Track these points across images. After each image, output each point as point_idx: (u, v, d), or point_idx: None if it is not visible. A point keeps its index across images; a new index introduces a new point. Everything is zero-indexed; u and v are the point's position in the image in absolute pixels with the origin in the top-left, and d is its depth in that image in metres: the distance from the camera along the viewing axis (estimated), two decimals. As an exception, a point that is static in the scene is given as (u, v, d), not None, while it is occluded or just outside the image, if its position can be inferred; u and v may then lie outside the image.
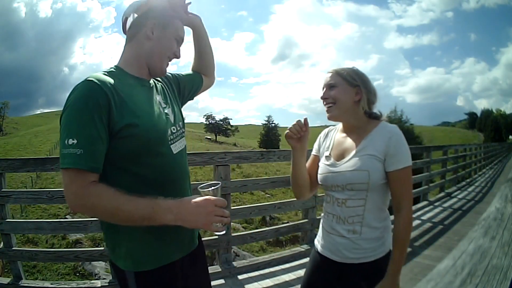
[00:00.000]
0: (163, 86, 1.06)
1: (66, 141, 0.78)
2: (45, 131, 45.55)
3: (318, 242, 1.19)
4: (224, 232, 0.87)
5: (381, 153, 1.02)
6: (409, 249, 3.11)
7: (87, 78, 0.83)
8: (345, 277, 1.09)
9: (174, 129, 0.97)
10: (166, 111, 0.98)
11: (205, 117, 56.65)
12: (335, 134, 1.19)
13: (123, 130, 0.83)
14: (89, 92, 0.80)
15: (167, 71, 1.04)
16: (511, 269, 0.71)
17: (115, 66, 0.95)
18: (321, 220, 1.19)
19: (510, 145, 25.17)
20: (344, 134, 1.14)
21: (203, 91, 1.27)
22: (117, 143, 0.84)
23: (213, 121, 56.12)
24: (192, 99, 1.22)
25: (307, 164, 1.22)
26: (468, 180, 7.99)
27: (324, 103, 1.12)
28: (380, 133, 1.05)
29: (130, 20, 0.96)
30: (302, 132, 1.10)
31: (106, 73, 0.88)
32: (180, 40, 1.00)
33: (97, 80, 0.82)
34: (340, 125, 1.19)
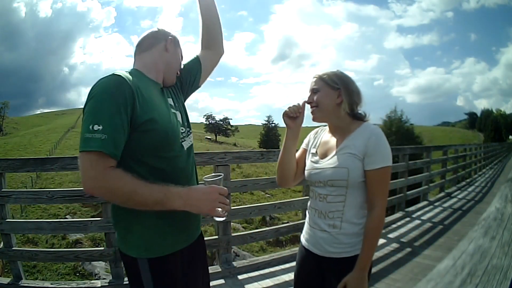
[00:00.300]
0: (173, 90, 1.17)
1: (91, 127, 0.83)
2: (45, 131, 45.57)
3: (303, 236, 1.25)
4: (224, 218, 0.98)
5: (360, 152, 1.08)
6: (409, 249, 3.16)
7: (114, 73, 0.91)
8: (325, 271, 1.14)
9: (182, 128, 1.08)
10: (175, 112, 1.08)
11: (205, 117, 56.64)
12: (323, 134, 1.26)
13: (145, 124, 0.91)
14: (116, 84, 0.88)
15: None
16: (511, 269, 0.71)
17: (133, 68, 1.05)
18: (306, 215, 1.25)
19: (510, 145, 25.17)
20: (330, 134, 1.22)
21: (212, 69, 1.31)
22: (139, 136, 0.91)
23: (213, 121, 56.11)
24: (199, 87, 1.27)
25: (297, 154, 1.28)
26: (468, 180, 7.99)
27: (310, 106, 1.19)
28: (361, 133, 1.10)
29: (149, 31, 1.11)
30: (298, 113, 1.19)
31: (128, 72, 0.96)
32: (182, 58, 1.16)
33: (124, 76, 0.90)
34: (327, 126, 1.27)
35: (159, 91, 1.06)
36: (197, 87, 1.26)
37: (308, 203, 1.23)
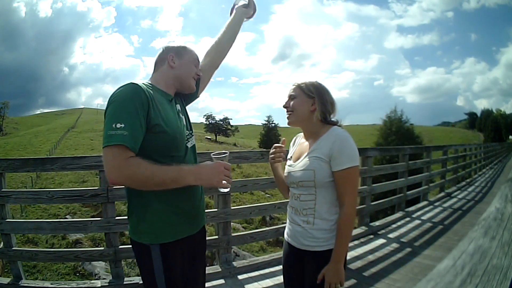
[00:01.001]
0: (180, 96, 1.32)
1: (113, 125, 0.97)
2: (45, 131, 45.57)
3: (285, 231, 1.38)
4: (228, 190, 1.12)
5: (325, 155, 1.18)
6: (409, 249, 3.16)
7: (132, 82, 1.07)
8: (304, 262, 1.26)
9: (187, 132, 1.24)
10: (182, 116, 1.25)
11: (205, 117, 56.54)
12: (299, 139, 1.40)
13: (156, 127, 1.06)
14: (134, 90, 1.03)
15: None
16: (511, 269, 0.71)
17: (147, 81, 1.20)
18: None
19: (510, 145, 25.18)
20: (304, 139, 1.34)
21: (209, 80, 1.51)
22: (151, 137, 1.05)
23: (213, 121, 56.07)
24: (197, 96, 1.43)
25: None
26: (468, 180, 7.99)
27: (286, 111, 1.31)
28: (328, 137, 1.21)
29: (158, 53, 1.27)
30: (283, 155, 1.39)
31: (143, 83, 1.11)
32: (197, 64, 1.29)
33: (140, 84, 1.07)
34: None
35: (168, 100, 1.20)
36: (196, 96, 1.42)
37: (289, 202, 1.36)
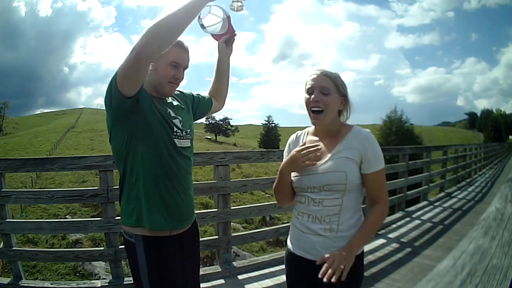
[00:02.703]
0: (177, 102, 1.32)
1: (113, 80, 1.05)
2: (45, 131, 45.56)
3: (290, 242, 1.20)
4: (241, 4, 1.20)
5: (357, 156, 1.08)
6: (409, 249, 3.16)
7: None
8: (318, 276, 1.07)
9: (179, 131, 1.23)
10: (173, 120, 1.23)
11: (205, 117, 56.57)
12: (306, 138, 1.22)
13: (141, 108, 1.11)
14: None
15: (191, 92, 1.44)
16: (511, 269, 0.71)
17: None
18: (292, 221, 1.20)
19: (510, 145, 25.18)
20: (317, 138, 1.17)
21: (211, 113, 1.58)
22: (138, 116, 1.11)
23: (213, 121, 56.06)
24: (201, 118, 1.49)
25: None
26: (468, 180, 7.99)
27: (312, 105, 1.10)
28: (355, 138, 1.10)
29: None
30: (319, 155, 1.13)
31: None
32: (177, 65, 1.21)
33: None
34: (310, 128, 1.22)
35: (159, 102, 1.22)
36: (200, 117, 1.47)
37: (297, 209, 1.17)
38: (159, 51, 1.03)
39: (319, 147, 1.10)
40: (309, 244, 1.11)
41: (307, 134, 1.22)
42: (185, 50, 1.22)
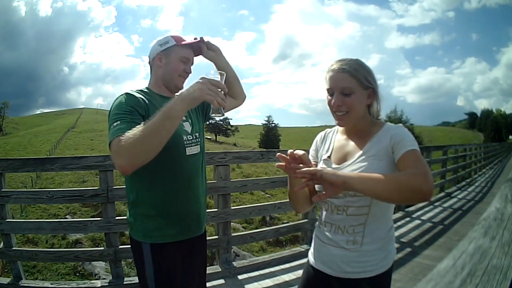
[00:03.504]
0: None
1: (112, 125, 1.02)
2: (45, 131, 45.56)
3: (311, 254, 1.09)
4: (222, 116, 1.06)
5: (386, 153, 0.93)
6: (409, 249, 3.16)
7: (125, 92, 1.14)
8: None
9: (190, 137, 1.23)
10: (183, 123, 1.24)
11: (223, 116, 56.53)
12: (335, 136, 1.10)
13: None
14: (128, 98, 1.10)
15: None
16: (511, 269, 0.71)
17: (145, 87, 1.26)
18: (315, 231, 1.10)
19: (510, 145, 25.17)
20: (345, 136, 1.06)
21: (232, 110, 1.51)
22: None
23: (213, 121, 56.13)
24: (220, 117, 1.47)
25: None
26: (468, 180, 7.99)
27: (335, 109, 0.98)
28: (385, 135, 0.96)
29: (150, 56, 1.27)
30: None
31: (138, 90, 1.19)
32: (186, 60, 1.24)
33: (132, 92, 1.15)
34: (339, 127, 1.10)
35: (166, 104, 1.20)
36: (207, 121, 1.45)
37: (319, 218, 1.07)
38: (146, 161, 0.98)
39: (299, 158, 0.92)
40: (329, 257, 1.00)
41: (336, 132, 1.11)
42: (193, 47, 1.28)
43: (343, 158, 1.02)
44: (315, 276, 1.04)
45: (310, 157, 1.12)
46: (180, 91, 1.10)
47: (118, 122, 1.01)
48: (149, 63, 1.29)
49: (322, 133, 1.16)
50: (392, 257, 1.02)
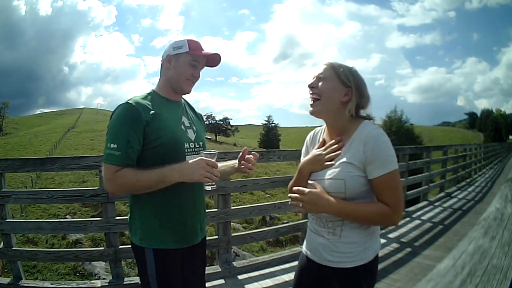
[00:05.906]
0: (192, 113, 1.35)
1: (109, 145, 1.09)
2: (45, 131, 45.55)
3: (304, 242, 1.19)
4: (214, 187, 1.14)
5: (359, 161, 0.97)
6: (409, 249, 3.16)
7: (127, 100, 1.13)
8: (324, 280, 1.06)
9: (192, 144, 1.23)
10: (187, 130, 1.25)
11: (205, 117, 56.64)
12: (321, 136, 1.15)
13: (153, 142, 1.12)
14: (127, 111, 1.11)
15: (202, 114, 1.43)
16: (511, 269, 0.71)
17: (152, 90, 1.25)
18: (308, 221, 1.17)
19: (510, 145, 25.16)
20: (329, 136, 1.11)
21: None
22: (149, 150, 1.13)
23: (213, 121, 56.14)
24: None
25: None
26: (468, 180, 7.99)
27: (310, 92, 1.06)
28: (358, 137, 0.99)
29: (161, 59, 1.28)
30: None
31: (142, 96, 1.18)
32: (196, 65, 1.23)
33: (134, 102, 1.12)
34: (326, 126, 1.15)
35: (173, 108, 1.24)
36: None
37: None
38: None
39: (341, 144, 1.03)
40: (315, 245, 1.09)
41: (323, 131, 1.15)
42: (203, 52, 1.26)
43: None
44: (307, 263, 1.13)
45: (302, 158, 1.19)
46: (183, 164, 1.09)
47: (115, 146, 1.08)
48: (161, 61, 1.27)
49: (311, 133, 1.22)
50: (373, 251, 1.04)
